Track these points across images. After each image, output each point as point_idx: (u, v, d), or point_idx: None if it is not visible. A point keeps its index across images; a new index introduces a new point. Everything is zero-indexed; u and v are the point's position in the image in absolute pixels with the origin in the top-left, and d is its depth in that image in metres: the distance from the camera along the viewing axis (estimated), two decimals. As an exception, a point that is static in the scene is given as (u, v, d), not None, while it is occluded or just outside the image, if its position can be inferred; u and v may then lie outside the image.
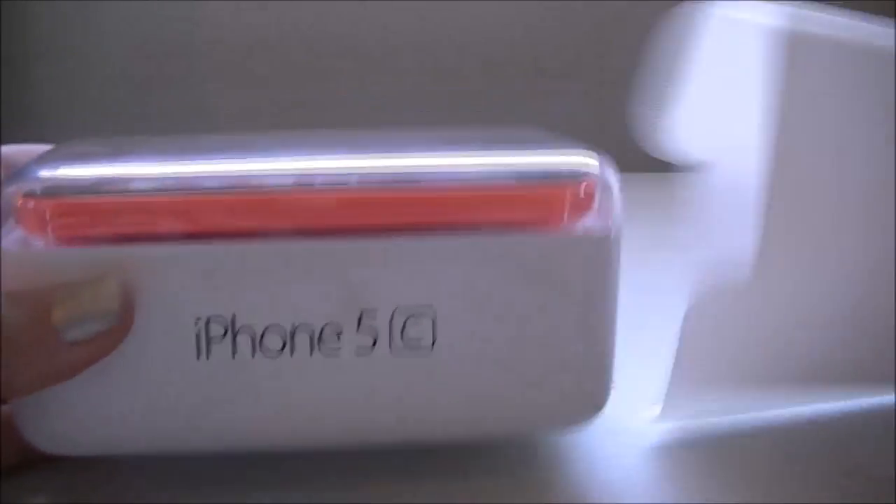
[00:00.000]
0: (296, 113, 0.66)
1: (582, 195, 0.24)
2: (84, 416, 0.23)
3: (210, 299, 0.23)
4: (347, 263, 0.23)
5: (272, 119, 0.66)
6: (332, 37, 0.66)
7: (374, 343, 0.24)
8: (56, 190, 0.23)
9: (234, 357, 0.23)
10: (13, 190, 0.23)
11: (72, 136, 0.29)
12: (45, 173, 0.23)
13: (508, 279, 0.24)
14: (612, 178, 0.25)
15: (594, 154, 0.25)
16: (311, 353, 0.23)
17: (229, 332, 0.23)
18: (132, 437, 0.24)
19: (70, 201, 0.23)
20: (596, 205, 0.24)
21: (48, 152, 0.27)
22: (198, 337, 0.23)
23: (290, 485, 0.26)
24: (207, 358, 0.23)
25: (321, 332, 0.23)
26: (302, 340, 0.23)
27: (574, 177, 0.24)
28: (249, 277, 0.23)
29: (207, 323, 0.23)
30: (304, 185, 0.23)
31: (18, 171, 0.24)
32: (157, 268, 0.23)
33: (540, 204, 0.24)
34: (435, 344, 0.24)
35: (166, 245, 0.23)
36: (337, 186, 0.23)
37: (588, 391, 0.25)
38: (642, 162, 0.33)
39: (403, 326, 0.24)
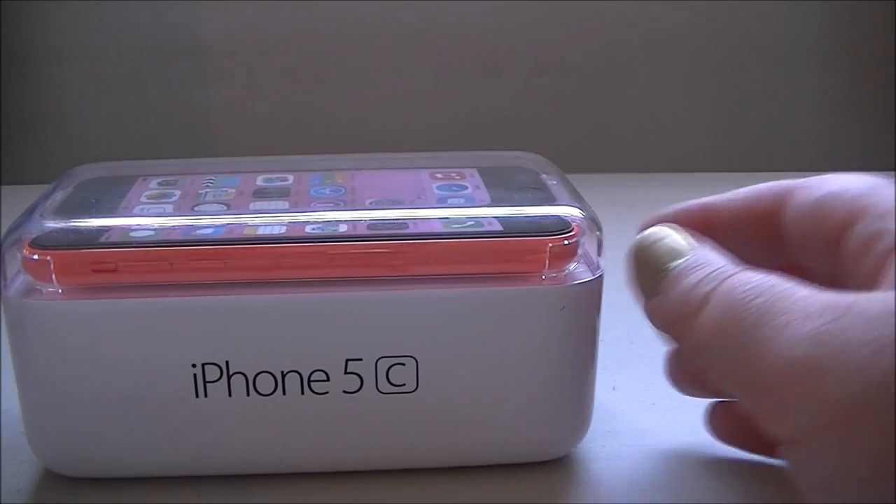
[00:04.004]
0: (295, 113, 0.66)
1: (562, 247, 0.25)
2: (93, 443, 0.25)
3: (205, 347, 0.24)
4: (333, 314, 0.24)
5: (272, 119, 0.66)
6: (332, 37, 0.66)
7: (361, 386, 0.25)
8: (60, 241, 0.24)
9: (230, 396, 0.24)
10: (19, 237, 0.24)
11: (71, 141, 0.30)
12: (50, 223, 0.25)
13: (490, 329, 0.25)
14: (595, 228, 0.26)
15: (578, 204, 0.26)
16: (302, 393, 0.25)
17: (224, 375, 0.24)
18: (137, 462, 0.25)
19: (73, 253, 0.24)
20: (578, 254, 0.25)
21: (51, 189, 0.28)
22: (195, 378, 0.24)
23: (292, 483, 0.26)
24: (206, 396, 0.24)
25: (310, 376, 0.25)
26: (293, 383, 0.25)
27: (555, 229, 0.25)
28: (241, 327, 0.24)
29: (203, 367, 0.24)
30: (293, 239, 0.25)
31: (25, 217, 0.25)
32: (154, 317, 0.24)
33: (521, 256, 0.25)
34: (418, 388, 0.25)
35: (163, 296, 0.24)
36: (324, 240, 0.25)
37: (568, 426, 0.26)
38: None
39: (388, 372, 0.25)
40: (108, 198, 0.28)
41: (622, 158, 0.68)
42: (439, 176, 0.30)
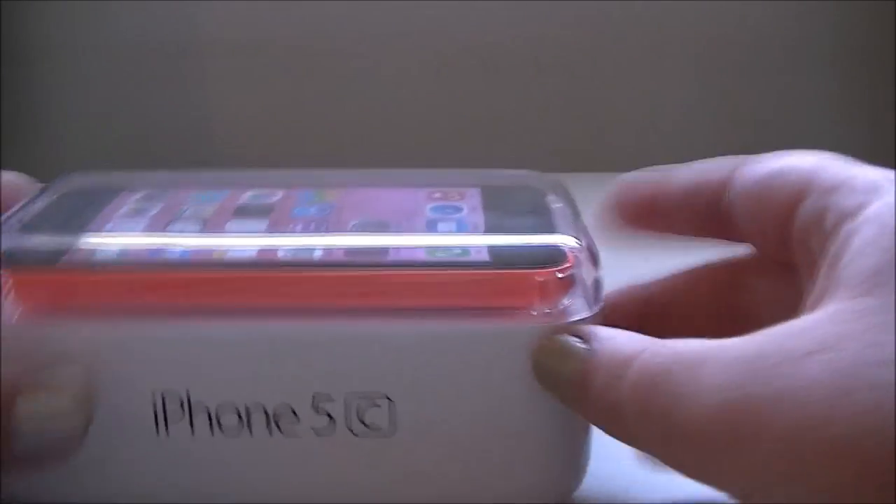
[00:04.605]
0: (295, 113, 0.66)
1: (555, 281, 0.23)
2: (55, 476, 0.23)
3: (164, 373, 0.23)
4: (301, 345, 0.23)
5: (272, 120, 0.66)
6: (332, 36, 0.66)
7: (332, 426, 0.23)
8: (22, 258, 0.23)
9: (193, 434, 0.23)
10: None
11: (70, 141, 0.30)
12: (8, 242, 0.24)
13: (474, 368, 0.23)
14: (594, 260, 0.24)
15: (578, 233, 0.24)
16: (270, 433, 0.23)
17: (186, 409, 0.23)
18: (97, 496, 0.24)
19: (31, 274, 0.23)
20: (573, 289, 0.23)
21: (35, 196, 0.27)
22: (156, 413, 0.23)
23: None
24: (167, 434, 0.23)
25: (275, 413, 0.23)
26: (258, 420, 0.23)
27: (548, 261, 0.23)
28: (203, 354, 0.23)
29: (163, 399, 0.23)
30: (263, 264, 0.23)
31: None
32: (112, 343, 0.23)
33: (508, 289, 0.23)
34: (396, 430, 0.23)
35: (124, 319, 0.23)
36: (296, 266, 0.23)
37: (559, 474, 0.25)
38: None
39: (361, 412, 0.23)
40: (86, 211, 0.26)
41: (623, 158, 0.67)
42: (437, 195, 0.27)
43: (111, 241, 0.24)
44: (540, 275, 0.23)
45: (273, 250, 0.24)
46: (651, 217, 0.25)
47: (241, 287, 0.23)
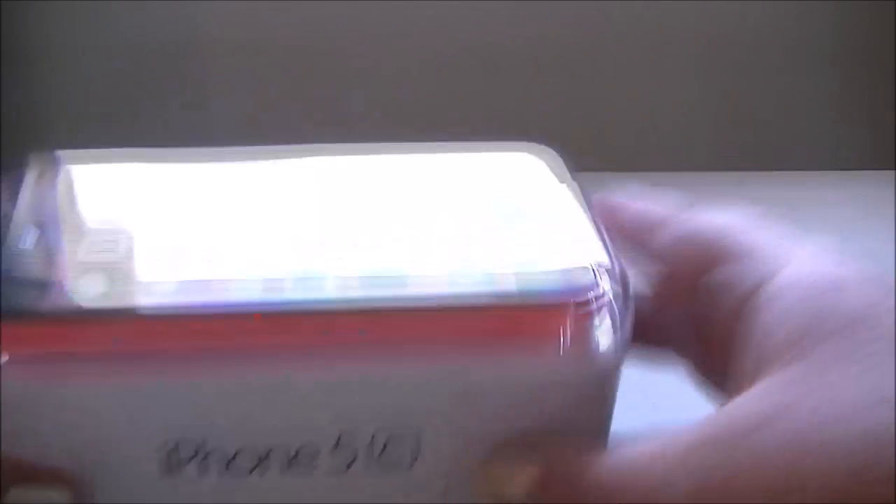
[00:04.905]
0: (295, 113, 0.66)
1: (579, 317, 0.21)
2: None
3: (177, 427, 0.21)
4: (323, 387, 0.21)
5: (272, 121, 0.66)
6: (332, 36, 0.66)
7: (351, 464, 0.22)
8: (10, 314, 0.20)
9: (200, 477, 0.21)
10: None
11: (68, 140, 0.28)
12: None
13: (497, 403, 0.21)
14: (619, 287, 0.22)
15: (601, 241, 0.23)
16: (281, 475, 0.21)
17: (199, 454, 0.21)
18: None
19: (17, 325, 0.20)
20: (598, 322, 0.21)
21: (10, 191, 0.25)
22: (166, 457, 0.21)
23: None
24: (176, 477, 0.21)
25: (296, 454, 0.21)
26: (276, 461, 0.21)
27: (571, 295, 0.21)
28: (219, 404, 0.21)
29: (176, 446, 0.21)
30: (268, 306, 0.21)
31: None
32: (120, 396, 0.20)
33: (538, 325, 0.21)
34: (417, 466, 0.22)
35: (128, 373, 0.20)
36: (311, 305, 0.21)
37: None
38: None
39: (383, 448, 0.22)
40: (62, 216, 0.24)
41: (623, 158, 0.68)
42: (445, 187, 0.26)
43: (94, 279, 0.21)
44: (569, 308, 0.21)
45: (279, 284, 0.21)
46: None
47: (249, 332, 0.21)
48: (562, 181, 0.27)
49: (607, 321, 0.21)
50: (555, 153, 0.30)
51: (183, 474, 0.21)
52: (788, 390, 0.18)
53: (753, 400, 0.19)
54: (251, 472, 0.21)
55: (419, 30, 0.66)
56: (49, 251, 0.22)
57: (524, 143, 0.31)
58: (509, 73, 0.67)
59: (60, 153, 0.26)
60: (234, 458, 0.21)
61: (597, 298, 0.21)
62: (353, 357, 0.21)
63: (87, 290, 0.21)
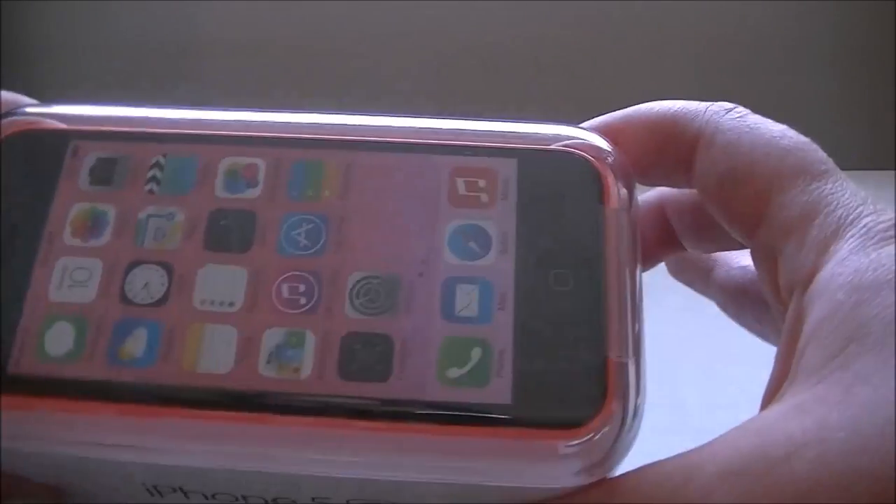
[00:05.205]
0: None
1: (586, 443, 0.18)
2: None
3: (156, 477, 0.20)
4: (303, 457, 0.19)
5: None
6: (332, 36, 0.66)
7: None
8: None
9: (185, 500, 0.21)
10: None
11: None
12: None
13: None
14: (635, 379, 0.19)
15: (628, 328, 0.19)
16: None
17: (178, 491, 0.20)
18: None
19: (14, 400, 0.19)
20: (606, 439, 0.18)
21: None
22: (147, 490, 0.20)
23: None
24: (160, 499, 0.21)
25: (274, 500, 0.20)
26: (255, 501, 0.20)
27: (579, 410, 0.18)
28: (193, 471, 0.19)
29: (155, 487, 0.20)
30: (236, 398, 0.19)
31: None
32: (92, 459, 0.19)
33: (530, 446, 0.18)
34: None
35: (100, 439, 0.19)
36: (276, 403, 0.19)
37: None
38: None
39: None
40: (25, 219, 0.21)
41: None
42: (462, 194, 0.21)
43: (62, 330, 0.20)
44: (565, 439, 0.18)
45: (254, 359, 0.19)
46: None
47: (213, 425, 0.19)
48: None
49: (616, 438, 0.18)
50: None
51: (166, 498, 0.21)
52: (819, 412, 0.17)
53: (789, 418, 0.18)
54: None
55: (419, 30, 0.66)
56: (15, 284, 0.20)
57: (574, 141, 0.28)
58: (509, 74, 0.67)
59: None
60: (213, 496, 0.21)
61: (601, 424, 0.18)
62: (318, 461, 0.19)
63: (54, 346, 0.19)
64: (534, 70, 0.67)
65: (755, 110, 0.25)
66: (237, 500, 0.21)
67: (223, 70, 0.66)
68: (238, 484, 0.20)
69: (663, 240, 0.25)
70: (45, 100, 0.24)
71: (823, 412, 0.17)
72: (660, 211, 0.25)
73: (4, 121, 0.21)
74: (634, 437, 0.18)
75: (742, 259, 0.25)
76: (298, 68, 0.66)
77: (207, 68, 0.66)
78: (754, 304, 0.24)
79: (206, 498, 0.21)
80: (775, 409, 0.18)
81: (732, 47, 0.67)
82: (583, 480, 0.18)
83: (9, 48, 0.64)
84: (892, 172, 0.59)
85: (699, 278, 0.26)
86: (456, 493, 0.19)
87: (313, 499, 0.20)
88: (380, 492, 0.19)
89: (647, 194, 0.25)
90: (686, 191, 0.23)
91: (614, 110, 0.26)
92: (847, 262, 0.18)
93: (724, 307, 0.26)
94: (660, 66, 0.67)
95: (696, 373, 0.45)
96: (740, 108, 0.23)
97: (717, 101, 0.25)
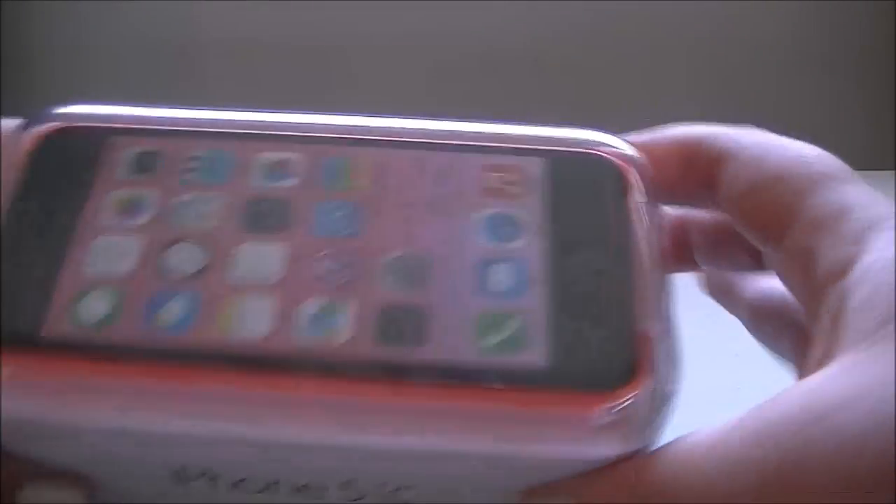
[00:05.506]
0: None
1: (618, 410, 0.18)
2: None
3: (182, 458, 0.20)
4: (334, 433, 0.19)
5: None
6: (332, 37, 0.66)
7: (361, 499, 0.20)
8: (10, 339, 0.19)
9: (210, 491, 0.20)
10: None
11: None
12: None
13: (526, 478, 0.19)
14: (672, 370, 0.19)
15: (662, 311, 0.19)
16: (291, 497, 0.20)
17: (206, 475, 0.20)
18: None
19: (14, 357, 0.19)
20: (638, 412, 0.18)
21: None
22: (174, 474, 0.20)
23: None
24: (185, 488, 0.20)
25: (305, 485, 0.20)
26: (285, 488, 0.20)
27: (609, 383, 0.18)
28: (222, 448, 0.19)
29: (183, 468, 0.20)
30: (270, 360, 0.19)
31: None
32: (125, 433, 0.19)
33: (563, 413, 0.18)
34: None
35: (131, 408, 0.19)
36: (309, 364, 0.19)
37: None
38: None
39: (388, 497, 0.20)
40: (63, 206, 0.21)
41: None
42: (492, 185, 0.22)
43: (100, 296, 0.20)
44: (600, 404, 0.18)
45: (288, 325, 0.19)
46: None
47: (247, 389, 0.19)
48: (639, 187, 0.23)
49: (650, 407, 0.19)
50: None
51: (192, 486, 0.21)
52: (873, 370, 0.17)
53: (834, 378, 0.18)
54: (261, 492, 0.20)
55: (419, 30, 0.66)
56: (51, 259, 0.21)
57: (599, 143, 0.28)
58: (509, 73, 0.67)
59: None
60: (242, 480, 0.20)
61: (630, 397, 0.19)
62: (348, 425, 0.19)
63: (89, 312, 0.20)
64: (534, 70, 0.67)
65: (755, 110, 0.25)
66: (264, 488, 0.20)
67: (223, 70, 0.66)
68: (266, 468, 0.20)
69: (678, 255, 0.25)
70: (46, 101, 0.24)
71: (876, 369, 0.17)
72: (678, 225, 0.25)
73: (39, 124, 0.22)
74: (669, 411, 0.19)
75: (763, 280, 0.25)
76: (298, 68, 0.66)
77: (207, 68, 0.66)
78: (777, 320, 0.24)
79: (232, 487, 0.20)
80: (822, 372, 0.18)
81: (732, 47, 0.67)
82: (618, 450, 0.18)
83: (9, 48, 0.64)
84: (892, 172, 0.59)
85: (730, 295, 0.26)
86: (484, 476, 0.19)
87: (341, 485, 0.20)
88: (406, 477, 0.20)
89: (668, 210, 0.25)
90: (706, 212, 0.24)
91: (613, 110, 0.27)
92: (887, 249, 0.19)
93: (753, 325, 0.26)
94: (660, 66, 0.67)
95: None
96: (763, 131, 0.23)
97: (717, 101, 0.25)
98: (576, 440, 0.18)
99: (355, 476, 0.20)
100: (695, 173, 0.23)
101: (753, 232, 0.21)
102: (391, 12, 0.65)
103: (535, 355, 0.19)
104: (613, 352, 0.19)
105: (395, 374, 0.19)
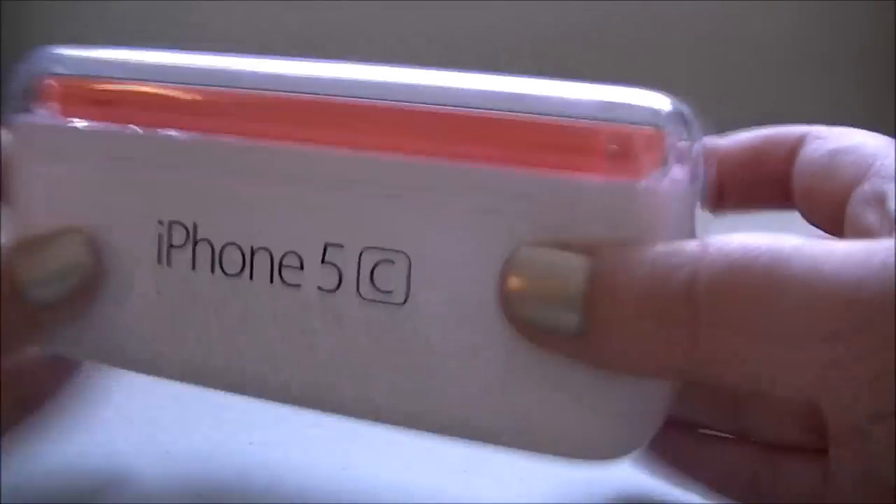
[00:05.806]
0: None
1: (627, 142, 0.19)
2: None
3: (174, 199, 0.21)
4: (316, 178, 0.20)
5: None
6: (332, 37, 0.66)
7: (339, 282, 0.20)
8: (63, 67, 0.22)
9: (193, 269, 0.21)
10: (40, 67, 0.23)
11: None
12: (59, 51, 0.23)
13: (516, 232, 0.18)
14: (684, 128, 0.20)
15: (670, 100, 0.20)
16: (271, 280, 0.20)
17: (189, 241, 0.21)
18: (99, 342, 0.22)
19: (70, 80, 0.22)
20: (657, 159, 0.19)
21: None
22: (160, 239, 0.21)
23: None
24: (169, 265, 0.21)
25: (282, 259, 0.20)
26: (261, 263, 0.20)
27: (622, 118, 0.19)
28: (216, 181, 0.21)
29: (170, 228, 0.21)
30: (286, 88, 0.21)
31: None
32: (128, 157, 0.21)
33: (574, 143, 0.19)
34: (409, 298, 0.19)
35: (141, 133, 0.21)
36: (323, 94, 0.20)
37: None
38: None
39: (372, 272, 0.19)
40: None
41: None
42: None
43: (155, 57, 0.22)
44: (606, 132, 0.19)
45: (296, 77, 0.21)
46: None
47: (262, 108, 0.20)
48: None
49: (662, 160, 0.19)
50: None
51: (176, 264, 0.21)
52: None
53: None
54: (240, 273, 0.21)
55: (419, 30, 0.66)
56: None
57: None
58: (509, 73, 0.67)
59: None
60: (221, 253, 0.21)
61: (670, 131, 0.19)
62: (354, 151, 0.20)
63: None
64: (534, 70, 0.67)
65: (754, 110, 0.26)
66: (243, 267, 0.21)
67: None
68: (250, 228, 0.20)
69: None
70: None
71: None
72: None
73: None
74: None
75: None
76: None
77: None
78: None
79: (214, 254, 0.21)
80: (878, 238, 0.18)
81: (732, 47, 0.67)
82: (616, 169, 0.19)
83: (9, 48, 0.64)
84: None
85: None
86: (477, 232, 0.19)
87: (323, 252, 0.20)
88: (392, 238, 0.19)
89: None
90: (737, 147, 0.25)
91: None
92: None
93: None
94: (660, 66, 0.67)
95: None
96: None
97: (717, 101, 0.26)
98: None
99: (341, 239, 0.20)
100: (767, 167, 0.24)
101: (828, 189, 0.22)
102: (391, 12, 0.65)
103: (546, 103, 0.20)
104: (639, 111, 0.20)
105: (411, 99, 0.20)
